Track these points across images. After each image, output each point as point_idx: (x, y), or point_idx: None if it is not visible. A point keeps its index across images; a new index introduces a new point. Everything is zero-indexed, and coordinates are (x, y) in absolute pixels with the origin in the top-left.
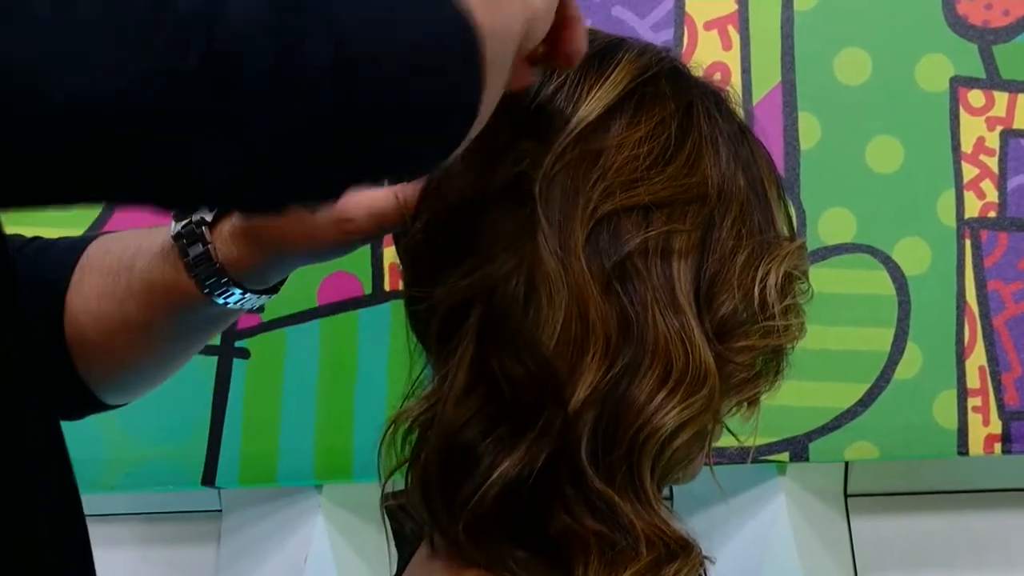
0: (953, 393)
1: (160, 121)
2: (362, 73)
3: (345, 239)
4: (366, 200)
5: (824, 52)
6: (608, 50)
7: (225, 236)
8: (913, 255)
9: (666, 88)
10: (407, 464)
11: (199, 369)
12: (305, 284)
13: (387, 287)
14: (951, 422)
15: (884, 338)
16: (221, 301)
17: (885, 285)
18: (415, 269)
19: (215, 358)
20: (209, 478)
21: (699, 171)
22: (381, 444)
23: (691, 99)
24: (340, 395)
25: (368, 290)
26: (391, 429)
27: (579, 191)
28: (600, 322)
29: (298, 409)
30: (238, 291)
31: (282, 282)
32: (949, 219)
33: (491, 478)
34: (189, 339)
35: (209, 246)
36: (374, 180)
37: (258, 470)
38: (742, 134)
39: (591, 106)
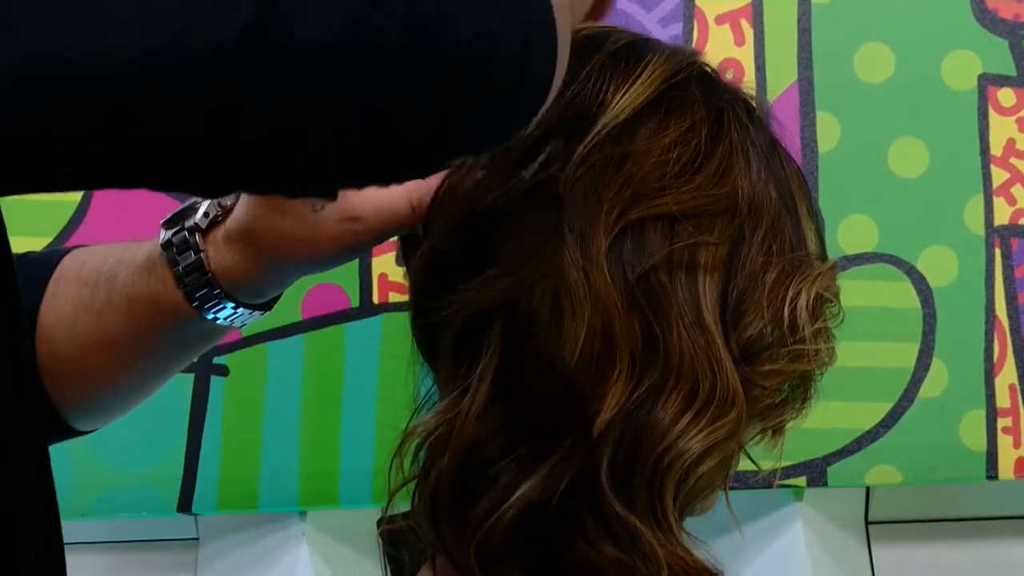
0: (982, 413)
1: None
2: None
3: (352, 240)
4: (376, 198)
5: (844, 47)
6: (634, 50)
7: (219, 242)
8: (939, 265)
9: (696, 93)
10: (412, 482)
11: (175, 387)
12: (288, 296)
13: (376, 299)
14: (979, 444)
15: (908, 354)
16: (211, 316)
17: (909, 297)
18: (428, 278)
19: (192, 375)
20: (185, 504)
21: (729, 181)
22: (392, 460)
23: (722, 105)
24: (326, 415)
25: (356, 303)
26: (402, 445)
27: (602, 197)
28: (625, 338)
29: (281, 430)
30: (230, 305)
31: (276, 298)
32: (977, 227)
33: (510, 500)
34: (170, 359)
35: (202, 254)
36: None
37: (238, 495)
38: (773, 144)
39: (618, 108)
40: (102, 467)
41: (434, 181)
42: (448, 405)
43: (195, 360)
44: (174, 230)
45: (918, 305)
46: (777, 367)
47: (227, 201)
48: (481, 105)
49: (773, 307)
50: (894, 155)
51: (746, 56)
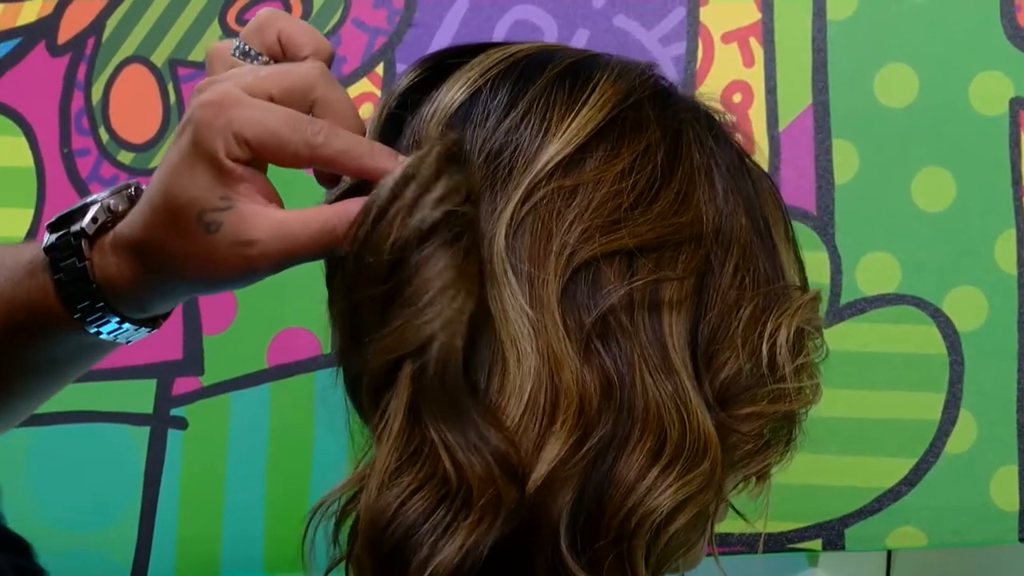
0: (1014, 469)
1: None
2: None
3: (246, 266)
4: (274, 221)
5: (863, 69)
6: (581, 70)
7: (106, 250)
8: (967, 307)
9: (650, 113)
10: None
11: (128, 441)
12: (252, 342)
13: None
14: (1011, 503)
15: (933, 405)
16: (93, 330)
17: (934, 343)
18: (342, 337)
19: (147, 428)
20: (140, 570)
21: (691, 208)
22: (303, 540)
23: (680, 124)
24: (294, 472)
25: (326, 349)
26: (316, 521)
27: (551, 236)
28: (575, 385)
29: (245, 488)
30: (115, 319)
31: (166, 316)
32: (1009, 265)
33: (426, 572)
34: (50, 374)
35: (87, 262)
36: None
37: (198, 560)
38: (741, 163)
39: (564, 138)
40: (47, 528)
41: (350, 205)
42: (356, 475)
43: (148, 410)
44: (60, 232)
45: (944, 351)
46: (757, 409)
47: (119, 206)
48: None
49: (750, 344)
50: (918, 187)
51: (755, 78)
